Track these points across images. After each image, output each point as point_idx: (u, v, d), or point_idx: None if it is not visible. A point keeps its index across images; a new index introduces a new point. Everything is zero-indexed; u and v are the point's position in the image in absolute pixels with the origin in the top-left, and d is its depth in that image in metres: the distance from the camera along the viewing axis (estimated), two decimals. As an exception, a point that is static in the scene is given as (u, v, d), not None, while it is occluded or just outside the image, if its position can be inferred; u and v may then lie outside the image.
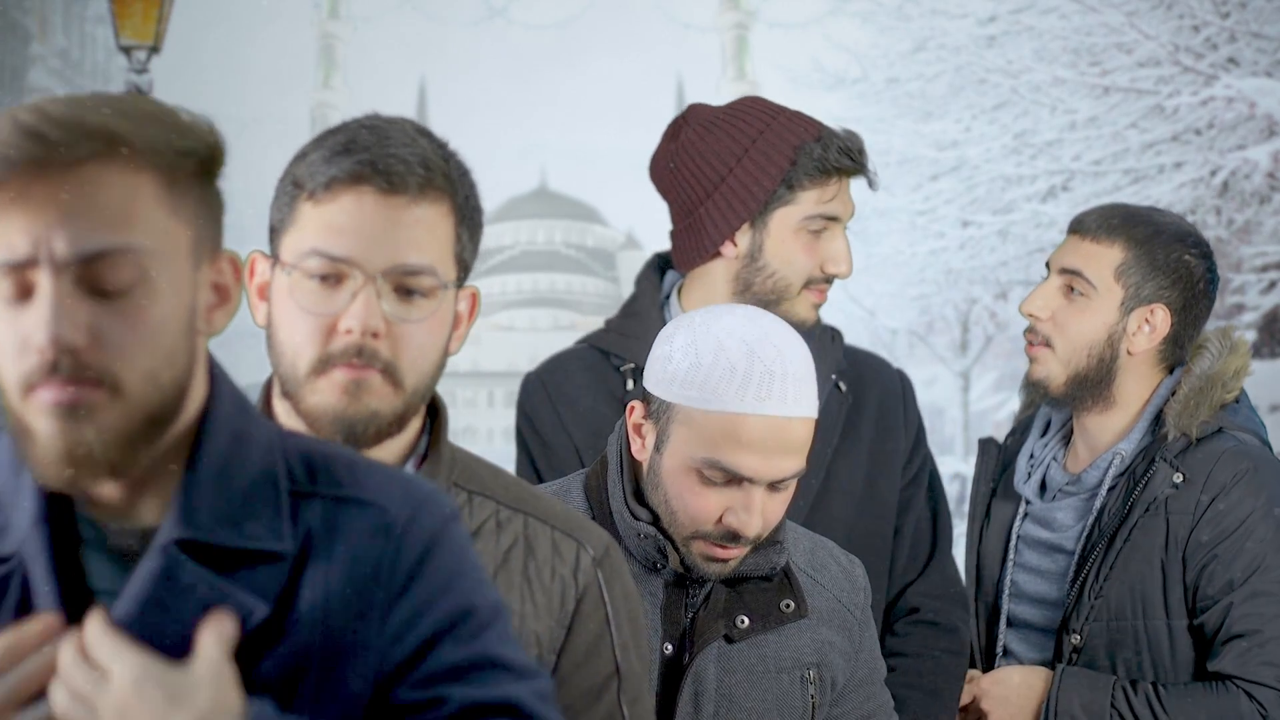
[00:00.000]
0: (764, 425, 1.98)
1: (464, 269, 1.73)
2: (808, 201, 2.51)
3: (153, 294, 1.32)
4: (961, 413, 27.23)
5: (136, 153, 1.31)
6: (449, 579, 1.43)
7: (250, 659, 1.35)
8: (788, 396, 1.98)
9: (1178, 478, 2.50)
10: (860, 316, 30.27)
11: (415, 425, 1.77)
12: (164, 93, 13.20)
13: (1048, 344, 2.57)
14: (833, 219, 2.52)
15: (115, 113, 1.32)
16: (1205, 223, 15.40)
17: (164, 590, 1.34)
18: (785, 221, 2.51)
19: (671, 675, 2.08)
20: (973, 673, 2.62)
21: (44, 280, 1.30)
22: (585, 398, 2.59)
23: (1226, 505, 2.48)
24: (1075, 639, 2.53)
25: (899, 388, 2.71)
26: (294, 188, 1.70)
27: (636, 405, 2.09)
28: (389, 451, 1.74)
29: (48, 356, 1.29)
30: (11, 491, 1.40)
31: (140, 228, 1.31)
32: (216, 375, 1.43)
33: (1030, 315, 2.59)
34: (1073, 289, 2.56)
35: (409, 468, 1.76)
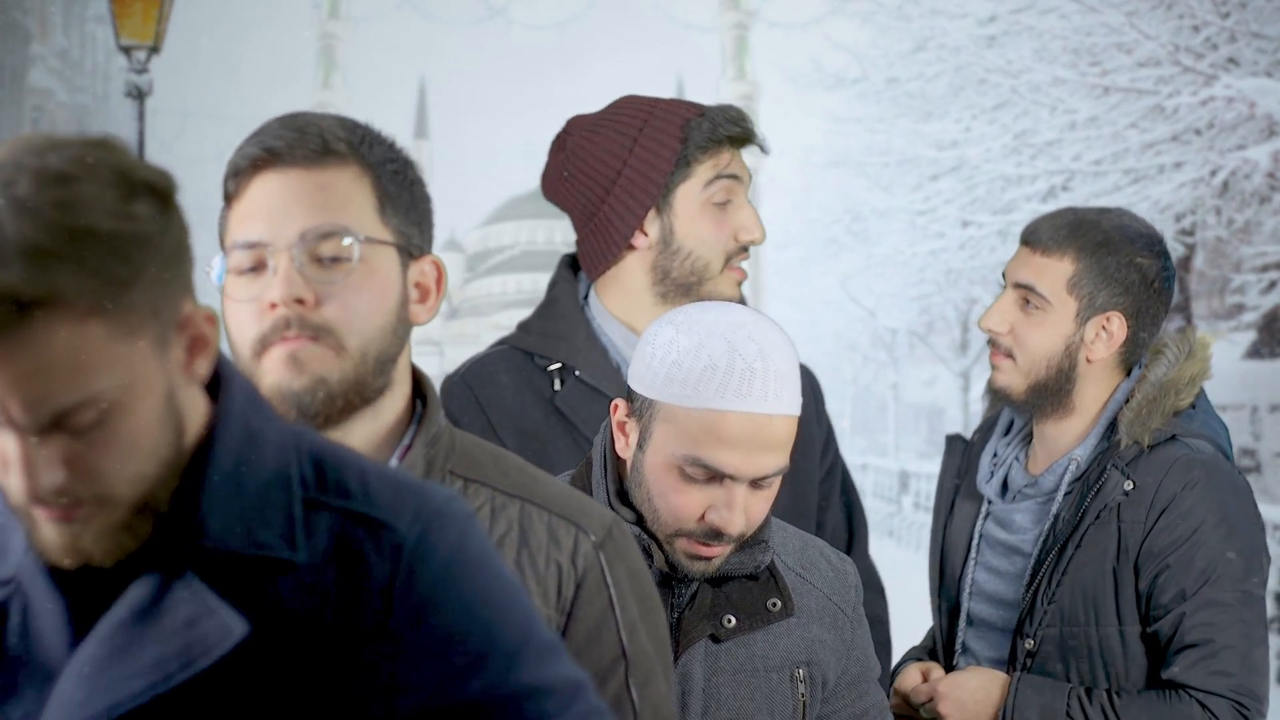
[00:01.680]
0: (745, 422, 1.97)
1: (402, 235, 1.72)
2: (704, 170, 2.54)
3: (123, 415, 1.28)
4: (961, 413, 27.23)
5: (77, 305, 1.22)
6: (468, 605, 1.38)
7: (247, 676, 1.32)
8: (769, 393, 1.98)
9: (1129, 485, 2.50)
10: (860, 316, 30.29)
11: (395, 407, 1.76)
12: (164, 93, 13.21)
13: (1009, 355, 2.59)
14: (733, 178, 2.54)
15: (42, 254, 1.21)
16: (1205, 223, 15.43)
17: (153, 605, 1.32)
18: (688, 198, 2.53)
19: None
20: (932, 671, 2.63)
21: (9, 440, 1.26)
22: (512, 399, 2.58)
23: (1178, 514, 2.47)
24: (1029, 644, 2.53)
25: (811, 383, 2.73)
26: (224, 199, 1.73)
27: (620, 403, 2.08)
28: (368, 434, 1.73)
29: (29, 498, 1.28)
30: (9, 514, 1.38)
31: (96, 374, 1.25)
32: (225, 375, 1.40)
33: (989, 330, 2.60)
34: (1028, 302, 2.57)
35: (395, 456, 1.75)
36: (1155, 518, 2.48)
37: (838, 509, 2.77)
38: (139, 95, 13.05)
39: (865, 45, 19.40)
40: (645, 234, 2.55)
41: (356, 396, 1.70)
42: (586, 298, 2.65)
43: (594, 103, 2.73)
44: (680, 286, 2.54)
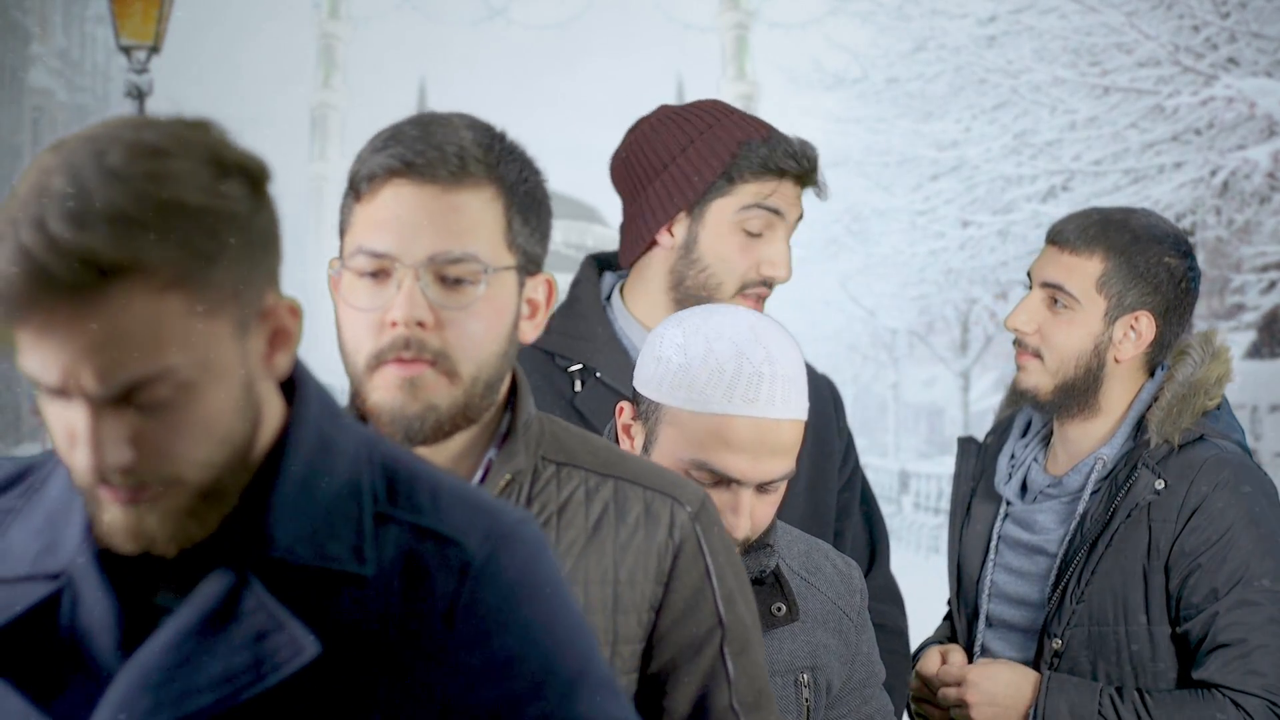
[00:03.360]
0: (751, 427, 1.97)
1: (525, 255, 1.72)
2: (746, 194, 2.50)
3: (197, 396, 1.25)
4: (961, 413, 27.23)
5: (158, 275, 1.20)
6: (531, 631, 1.36)
7: (309, 690, 1.30)
8: (775, 398, 1.97)
9: (1159, 484, 2.50)
10: (860, 316, 30.28)
11: (495, 411, 1.76)
12: (164, 93, 13.20)
13: (1036, 354, 2.58)
14: (773, 212, 2.50)
15: (129, 221, 1.19)
16: (1205, 223, 15.42)
17: (221, 614, 1.29)
18: (722, 213, 2.51)
19: None
20: (951, 653, 2.61)
21: (79, 410, 1.24)
22: (536, 400, 2.59)
23: (1209, 514, 2.48)
24: (1056, 643, 2.53)
25: (831, 394, 2.72)
26: (349, 189, 1.72)
27: (626, 406, 2.08)
28: (466, 439, 1.73)
29: (97, 477, 1.26)
30: (65, 507, 1.36)
31: (172, 347, 1.22)
32: (301, 379, 1.38)
33: (1016, 330, 2.60)
34: (1056, 301, 2.56)
35: (493, 446, 1.75)
36: (1187, 517, 2.48)
37: (857, 520, 2.74)
38: (139, 95, 13.04)
39: (865, 45, 19.40)
40: (672, 234, 2.54)
41: (464, 420, 1.71)
42: (609, 298, 2.65)
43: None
44: (692, 297, 2.52)
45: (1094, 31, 13.23)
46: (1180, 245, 2.57)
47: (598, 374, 2.55)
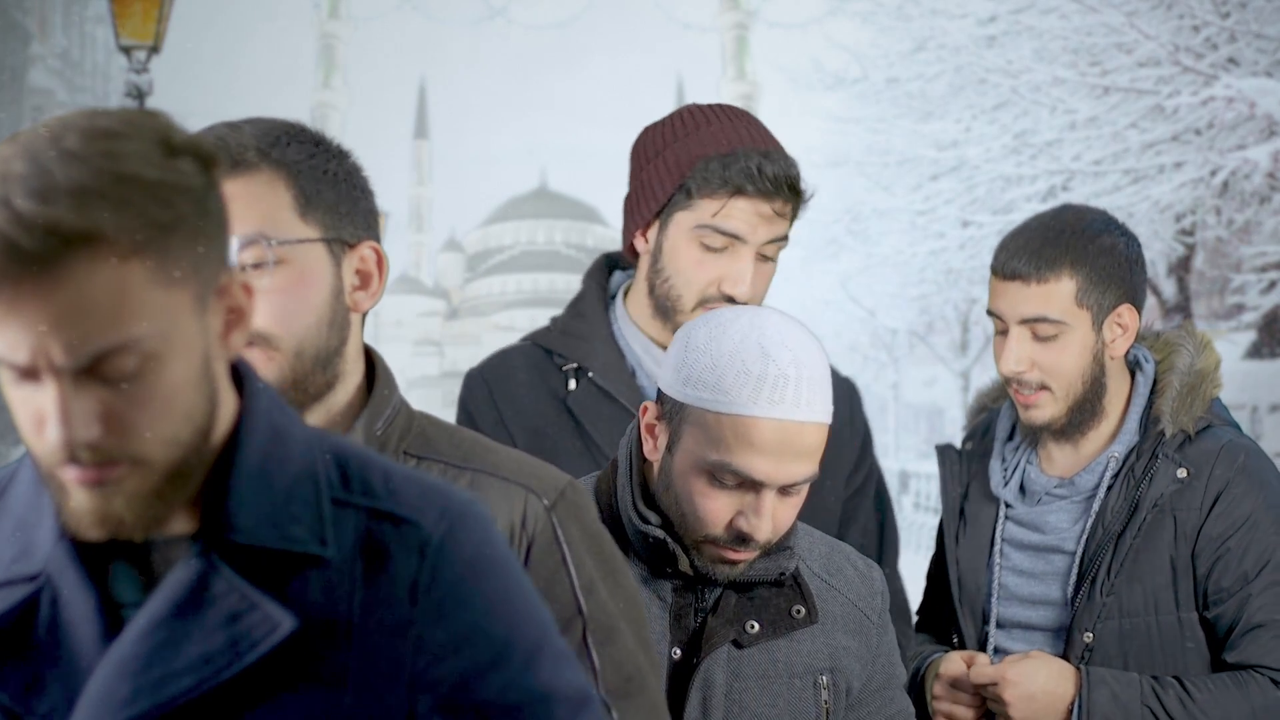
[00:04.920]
0: (776, 429, 1.96)
1: (329, 228, 1.74)
2: (702, 210, 2.45)
3: (161, 368, 1.28)
4: (961, 413, 27.21)
5: (119, 244, 1.25)
6: (490, 604, 1.40)
7: (280, 672, 1.33)
8: (801, 400, 1.97)
9: (1181, 473, 2.52)
10: (860, 316, 30.26)
11: (348, 395, 1.78)
12: (164, 92, 13.20)
13: (1043, 387, 2.57)
14: (730, 236, 2.44)
15: (88, 193, 1.24)
16: (1205, 223, 15.42)
17: (193, 599, 1.32)
18: (681, 225, 2.47)
19: (680, 679, 2.06)
20: (976, 658, 2.59)
21: (47, 388, 1.27)
22: (526, 396, 2.58)
23: (1231, 499, 2.51)
24: (1088, 637, 2.53)
25: (848, 397, 2.67)
26: None
27: (650, 405, 2.07)
28: (317, 425, 1.73)
29: (65, 453, 1.28)
30: (34, 511, 1.38)
31: (136, 317, 1.26)
32: (246, 373, 1.42)
33: (1013, 375, 2.57)
34: (1038, 333, 2.55)
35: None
36: (1210, 504, 2.51)
37: (867, 527, 2.69)
38: (139, 95, 13.04)
39: (865, 45, 19.40)
40: (645, 240, 2.53)
41: (301, 394, 1.73)
42: (615, 297, 2.64)
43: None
44: (659, 307, 2.51)
45: (1094, 31, 13.23)
46: (1115, 224, 2.58)
47: (590, 374, 2.55)
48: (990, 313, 2.61)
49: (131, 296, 1.25)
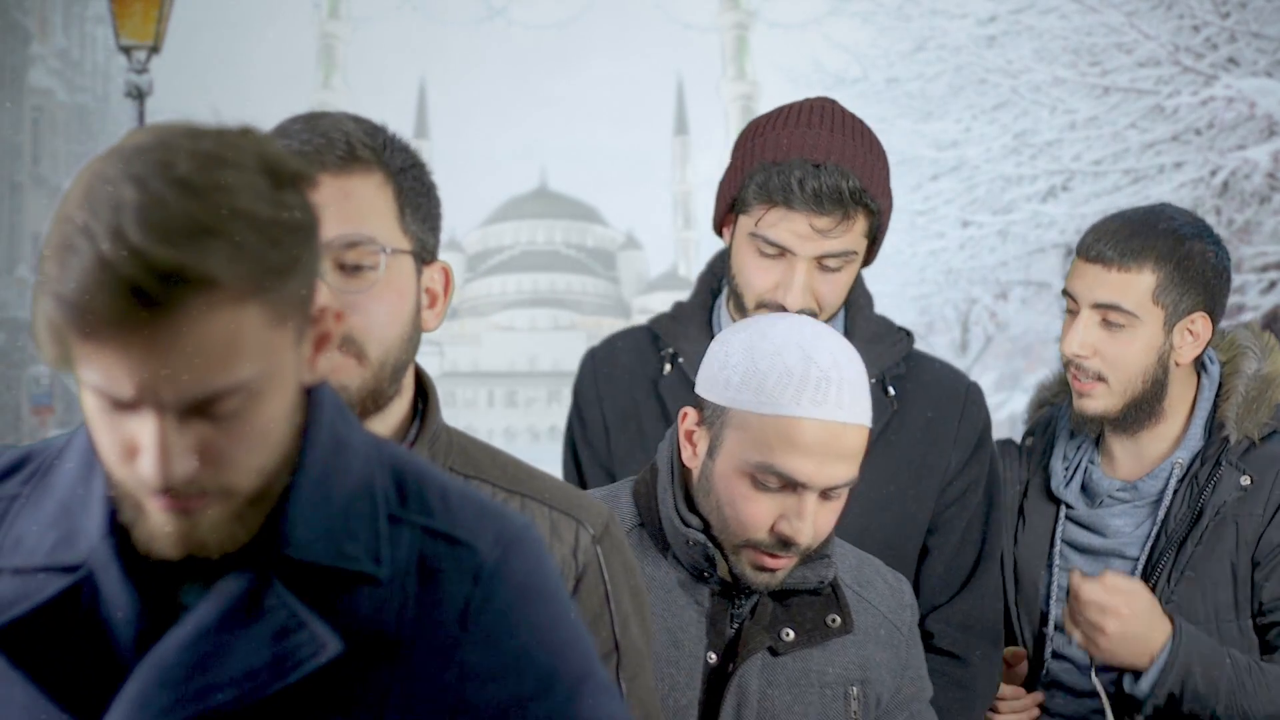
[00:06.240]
0: (819, 430, 1.96)
1: (419, 242, 1.72)
2: (753, 218, 2.42)
3: (261, 404, 1.26)
4: (961, 413, 27.18)
5: (236, 289, 1.20)
6: (538, 633, 1.38)
7: (322, 692, 1.31)
8: (844, 402, 1.97)
9: (1245, 480, 2.51)
10: (860, 316, 30.21)
11: (401, 408, 1.77)
12: (164, 92, 13.20)
13: (1099, 378, 2.54)
14: (777, 246, 2.40)
15: (206, 234, 1.19)
16: (1205, 223, 15.40)
17: (242, 611, 1.29)
18: (742, 228, 2.46)
19: (715, 685, 2.06)
20: (1110, 576, 2.49)
21: (147, 422, 1.23)
22: (624, 378, 2.58)
23: None
24: None
25: (960, 400, 2.58)
26: None
27: (690, 411, 2.06)
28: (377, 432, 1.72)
29: (159, 488, 1.25)
30: (80, 499, 1.36)
31: (248, 360, 1.23)
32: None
33: (1075, 356, 2.54)
34: (1109, 320, 2.52)
35: None
36: (1274, 511, 2.50)
37: (962, 540, 2.54)
38: (139, 95, 13.04)
39: (865, 45, 19.40)
40: (724, 233, 2.52)
41: (372, 403, 1.71)
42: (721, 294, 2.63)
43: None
44: (736, 302, 2.48)
45: (1094, 31, 13.23)
46: (1210, 234, 2.56)
47: (679, 360, 2.54)
48: (1065, 292, 2.57)
49: (245, 339, 1.22)
